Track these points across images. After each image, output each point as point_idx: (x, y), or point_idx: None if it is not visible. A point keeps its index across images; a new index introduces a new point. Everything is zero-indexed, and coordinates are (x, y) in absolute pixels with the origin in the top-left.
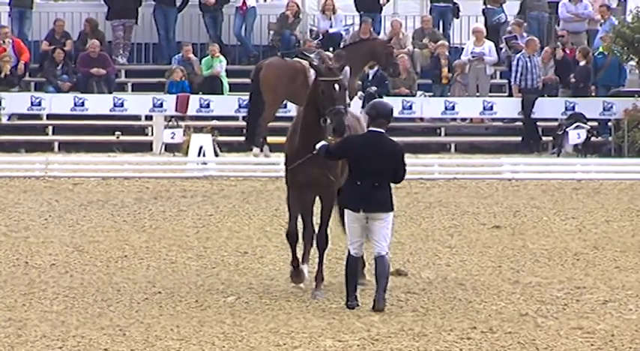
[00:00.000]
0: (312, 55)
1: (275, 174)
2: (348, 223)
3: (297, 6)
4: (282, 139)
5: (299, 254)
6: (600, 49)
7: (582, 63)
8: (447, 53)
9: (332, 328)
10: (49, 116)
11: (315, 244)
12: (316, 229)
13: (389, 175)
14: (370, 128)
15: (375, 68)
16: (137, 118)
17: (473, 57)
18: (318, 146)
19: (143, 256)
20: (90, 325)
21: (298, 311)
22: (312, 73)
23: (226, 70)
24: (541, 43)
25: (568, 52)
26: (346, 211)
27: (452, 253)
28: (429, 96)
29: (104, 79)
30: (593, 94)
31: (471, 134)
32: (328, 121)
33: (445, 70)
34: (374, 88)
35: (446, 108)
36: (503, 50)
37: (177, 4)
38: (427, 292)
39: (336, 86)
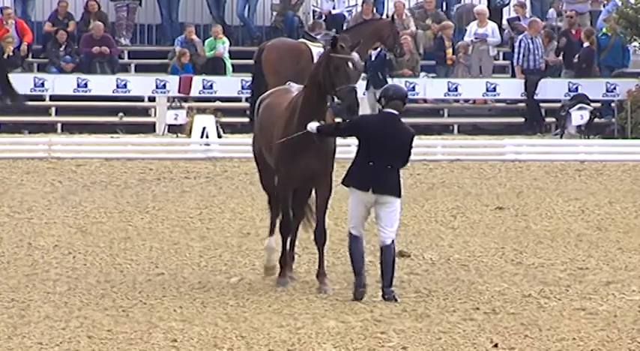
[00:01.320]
0: (318, 36)
1: None
2: (352, 204)
3: None
4: None
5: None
6: (604, 31)
7: (586, 44)
8: (451, 34)
9: (335, 309)
10: (52, 97)
11: (314, 239)
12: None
13: (400, 158)
14: (385, 109)
15: (378, 50)
16: (140, 99)
17: (476, 38)
18: (310, 126)
19: (146, 238)
20: (93, 306)
21: (301, 292)
22: (316, 53)
23: (229, 52)
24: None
25: (574, 32)
26: (352, 191)
27: (455, 234)
28: (432, 77)
29: (107, 60)
30: (596, 75)
31: (474, 115)
32: (336, 99)
33: (449, 51)
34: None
35: (449, 89)
36: (506, 31)
37: None
38: (430, 273)
39: (350, 64)
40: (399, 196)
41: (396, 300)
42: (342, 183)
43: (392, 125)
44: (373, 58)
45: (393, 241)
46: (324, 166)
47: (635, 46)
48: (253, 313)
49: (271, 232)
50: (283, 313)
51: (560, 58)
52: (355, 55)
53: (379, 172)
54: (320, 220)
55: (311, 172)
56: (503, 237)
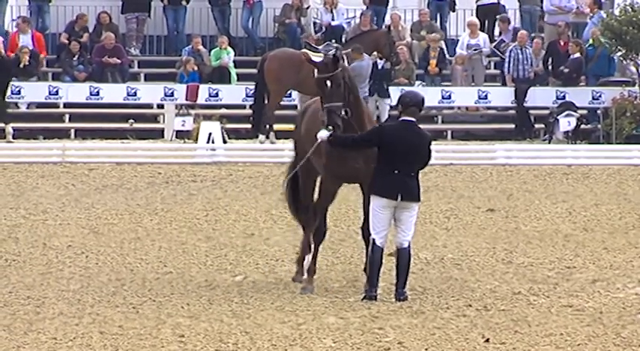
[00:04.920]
0: (320, 48)
1: (280, 160)
2: (376, 212)
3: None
4: (287, 127)
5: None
6: (590, 42)
7: (576, 55)
8: (438, 47)
9: (335, 306)
10: (66, 105)
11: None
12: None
13: (419, 164)
14: (402, 117)
15: (383, 60)
16: (149, 106)
17: (475, 50)
18: (320, 135)
19: (155, 238)
20: (105, 303)
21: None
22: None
23: (234, 61)
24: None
25: (562, 43)
26: (376, 199)
27: (448, 234)
28: (424, 85)
29: (118, 70)
30: (583, 83)
31: (467, 122)
32: (325, 117)
33: (433, 62)
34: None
35: (443, 97)
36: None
37: (184, 1)
38: (425, 272)
39: (328, 83)
40: (420, 200)
41: (406, 299)
42: (370, 192)
43: (411, 132)
44: (380, 67)
45: (409, 245)
46: (370, 166)
47: (619, 56)
48: (257, 309)
49: (308, 250)
50: (285, 310)
51: (546, 68)
52: (342, 65)
53: (405, 179)
54: (367, 219)
55: (357, 173)
56: (495, 237)
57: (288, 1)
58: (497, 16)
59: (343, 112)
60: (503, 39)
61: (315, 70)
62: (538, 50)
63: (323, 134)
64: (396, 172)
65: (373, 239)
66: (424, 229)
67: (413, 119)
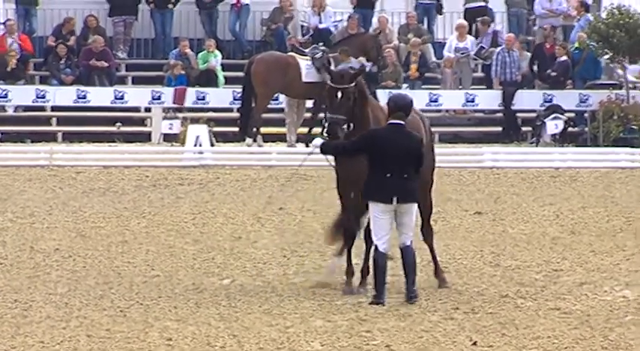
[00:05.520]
0: (306, 50)
1: (268, 163)
2: (375, 218)
3: (290, 3)
4: (274, 130)
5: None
6: (576, 45)
7: (563, 58)
8: (419, 51)
9: (322, 309)
10: (53, 108)
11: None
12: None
13: (413, 166)
14: (390, 120)
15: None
16: (137, 109)
17: (462, 53)
18: (314, 143)
19: (142, 241)
20: (92, 306)
21: (290, 293)
22: (303, 66)
23: (221, 64)
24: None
25: (548, 46)
26: (373, 205)
27: (436, 237)
28: (410, 88)
29: (105, 73)
30: (570, 86)
31: (454, 125)
32: (326, 125)
33: (414, 67)
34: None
35: (430, 100)
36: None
37: (170, 4)
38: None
39: (339, 94)
40: (417, 201)
41: (417, 297)
42: (364, 198)
43: (401, 135)
44: (366, 70)
45: (412, 242)
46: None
47: (606, 59)
48: (244, 313)
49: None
50: (273, 313)
51: (529, 69)
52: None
53: (398, 181)
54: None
55: (360, 176)
56: (482, 240)
57: (276, 5)
58: (478, 19)
59: (345, 126)
60: (482, 46)
61: (329, 78)
62: (521, 52)
63: (317, 142)
64: (388, 175)
65: (376, 245)
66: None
67: (401, 122)
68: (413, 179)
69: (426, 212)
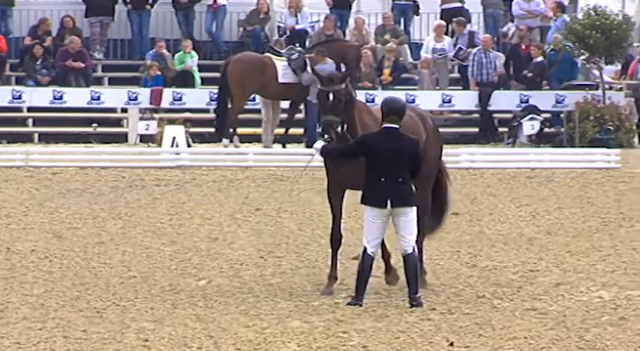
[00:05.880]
0: (283, 51)
1: (244, 164)
2: (369, 221)
3: (267, 4)
4: (251, 131)
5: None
6: (551, 46)
7: (539, 59)
8: (393, 56)
9: (299, 310)
10: (30, 109)
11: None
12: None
13: (408, 169)
14: (385, 124)
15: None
16: (113, 110)
17: (440, 55)
18: (315, 146)
19: (119, 242)
20: (68, 307)
21: (267, 294)
22: (279, 67)
23: (198, 65)
24: (497, 39)
25: (524, 47)
26: (368, 209)
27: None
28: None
29: (82, 74)
30: (546, 87)
31: None
32: (320, 129)
33: (387, 71)
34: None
35: (407, 101)
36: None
37: (148, 5)
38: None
39: (330, 96)
40: (414, 204)
41: (421, 305)
42: (361, 202)
43: (395, 139)
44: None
45: (414, 249)
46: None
47: (583, 60)
48: (221, 314)
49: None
50: (250, 314)
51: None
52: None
53: (392, 186)
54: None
55: (358, 179)
56: (459, 241)
57: (252, 6)
58: (454, 19)
59: (339, 128)
60: (460, 47)
61: (318, 82)
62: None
63: (318, 145)
64: (382, 179)
65: (365, 247)
66: (388, 233)
67: (396, 126)
68: (408, 183)
69: (421, 212)
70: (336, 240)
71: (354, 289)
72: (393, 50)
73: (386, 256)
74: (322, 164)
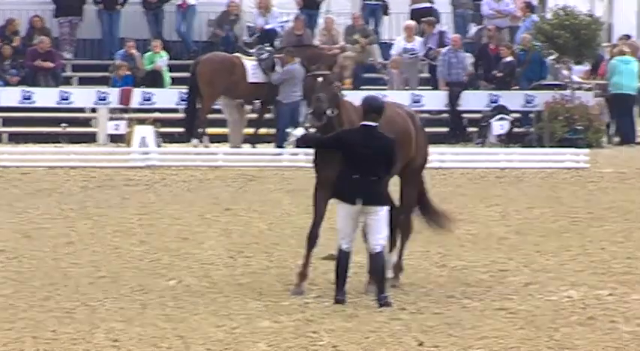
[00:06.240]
0: (252, 51)
1: (214, 163)
2: (340, 217)
3: (237, 5)
4: (220, 130)
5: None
6: (521, 46)
7: (508, 59)
8: (353, 65)
9: (269, 310)
10: None
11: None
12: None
13: (384, 168)
14: (363, 122)
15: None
16: (82, 110)
17: (411, 54)
18: (295, 132)
19: (88, 242)
20: (38, 307)
21: (237, 294)
22: (249, 67)
23: (167, 65)
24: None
25: (492, 47)
26: (339, 204)
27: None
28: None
29: (51, 74)
30: (515, 87)
31: None
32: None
33: (347, 81)
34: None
35: None
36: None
37: (119, 6)
38: (359, 276)
39: (319, 79)
40: (387, 204)
41: (390, 305)
42: (332, 196)
43: (372, 137)
44: None
45: (382, 248)
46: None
47: (552, 60)
48: (191, 313)
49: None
50: (219, 314)
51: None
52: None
53: (365, 184)
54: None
55: None
56: (428, 241)
57: (221, 6)
58: (423, 19)
59: (329, 111)
60: (430, 47)
61: (306, 71)
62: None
63: (298, 132)
64: (355, 176)
65: (340, 245)
66: (358, 234)
67: (374, 124)
68: (381, 182)
69: (408, 199)
70: (313, 239)
71: (335, 286)
72: (351, 58)
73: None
74: (300, 164)
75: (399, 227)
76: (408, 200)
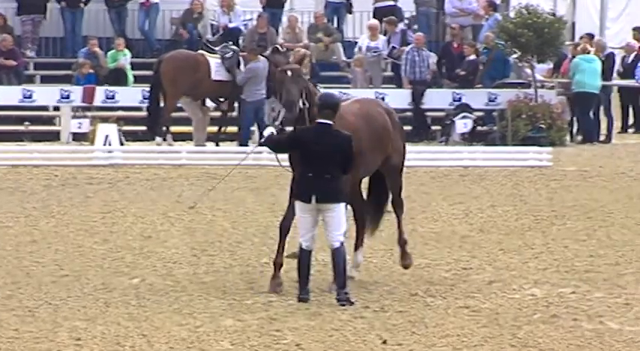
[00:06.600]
0: (216, 49)
1: (177, 162)
2: (299, 215)
3: (201, 4)
4: (184, 129)
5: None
6: (484, 45)
7: (472, 57)
8: (309, 63)
9: (232, 309)
10: None
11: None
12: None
13: (339, 165)
14: (318, 120)
15: None
16: (45, 108)
17: (374, 53)
18: (264, 133)
19: (51, 241)
20: (0, 306)
21: (200, 292)
22: (213, 64)
23: (131, 63)
24: (430, 37)
25: (456, 46)
26: (297, 203)
27: (346, 236)
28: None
29: (13, 72)
30: (479, 85)
31: None
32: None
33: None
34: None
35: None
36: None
37: (82, 4)
38: (322, 274)
39: (289, 73)
40: (342, 201)
41: (351, 303)
42: (290, 196)
43: (326, 135)
44: None
45: (342, 244)
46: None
47: (515, 59)
48: (154, 312)
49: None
50: (183, 313)
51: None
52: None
53: (319, 182)
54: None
55: None
56: (392, 239)
57: (184, 4)
58: (385, 18)
59: (301, 103)
60: (393, 46)
61: (275, 66)
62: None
63: (267, 132)
64: (310, 174)
65: (300, 243)
66: (321, 232)
67: (329, 122)
68: (336, 179)
69: (396, 189)
70: (285, 227)
71: (298, 285)
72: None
73: (402, 242)
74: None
75: (395, 208)
76: (394, 189)
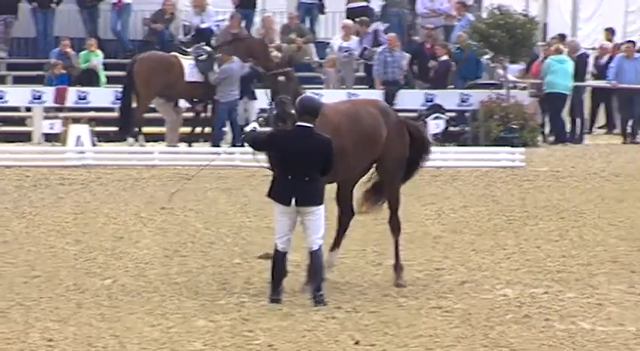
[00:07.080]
0: (189, 50)
1: (150, 162)
2: (276, 217)
3: (173, 4)
4: (156, 129)
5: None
6: (457, 45)
7: (444, 57)
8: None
9: (205, 309)
10: None
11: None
12: None
13: (318, 168)
14: (298, 123)
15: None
16: (17, 109)
17: (346, 52)
18: (246, 128)
19: (23, 242)
20: None
21: (172, 293)
22: (186, 66)
23: (103, 64)
24: (402, 38)
25: (428, 46)
26: (275, 205)
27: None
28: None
29: None
30: (451, 86)
31: None
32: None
33: None
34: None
35: None
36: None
37: (54, 4)
38: (295, 274)
39: (281, 78)
40: (321, 204)
41: (325, 304)
42: (267, 196)
43: (306, 138)
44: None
45: (320, 247)
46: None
47: (487, 59)
48: (126, 313)
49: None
50: (155, 313)
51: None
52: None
53: (299, 185)
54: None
55: None
56: (365, 240)
57: (157, 4)
58: (357, 19)
59: (293, 111)
60: (365, 46)
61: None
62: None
63: (248, 128)
64: (289, 177)
65: (275, 245)
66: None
67: (309, 125)
68: (316, 182)
69: (392, 202)
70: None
71: (270, 286)
72: (273, 59)
73: (397, 268)
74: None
75: (391, 227)
76: (391, 197)
